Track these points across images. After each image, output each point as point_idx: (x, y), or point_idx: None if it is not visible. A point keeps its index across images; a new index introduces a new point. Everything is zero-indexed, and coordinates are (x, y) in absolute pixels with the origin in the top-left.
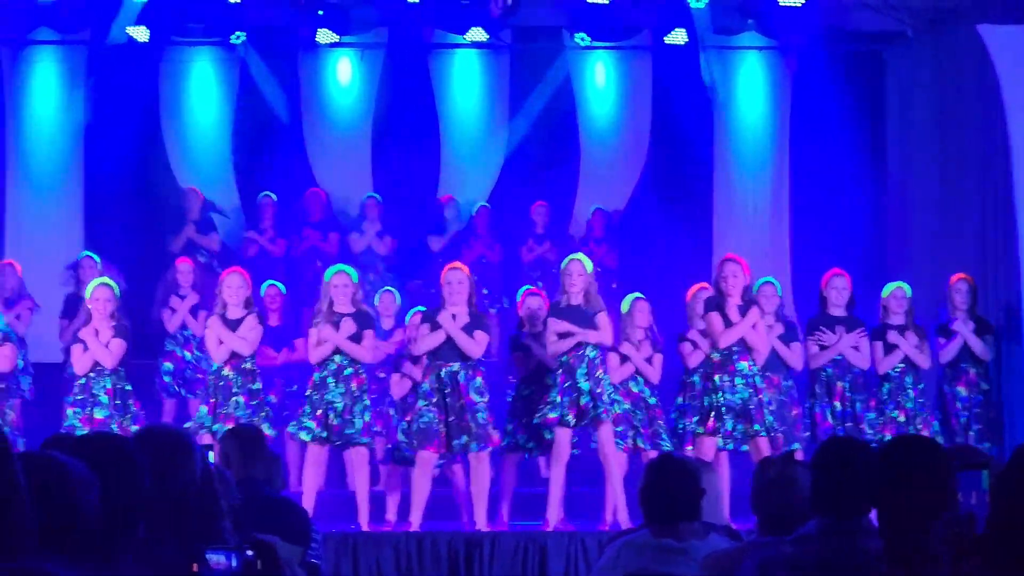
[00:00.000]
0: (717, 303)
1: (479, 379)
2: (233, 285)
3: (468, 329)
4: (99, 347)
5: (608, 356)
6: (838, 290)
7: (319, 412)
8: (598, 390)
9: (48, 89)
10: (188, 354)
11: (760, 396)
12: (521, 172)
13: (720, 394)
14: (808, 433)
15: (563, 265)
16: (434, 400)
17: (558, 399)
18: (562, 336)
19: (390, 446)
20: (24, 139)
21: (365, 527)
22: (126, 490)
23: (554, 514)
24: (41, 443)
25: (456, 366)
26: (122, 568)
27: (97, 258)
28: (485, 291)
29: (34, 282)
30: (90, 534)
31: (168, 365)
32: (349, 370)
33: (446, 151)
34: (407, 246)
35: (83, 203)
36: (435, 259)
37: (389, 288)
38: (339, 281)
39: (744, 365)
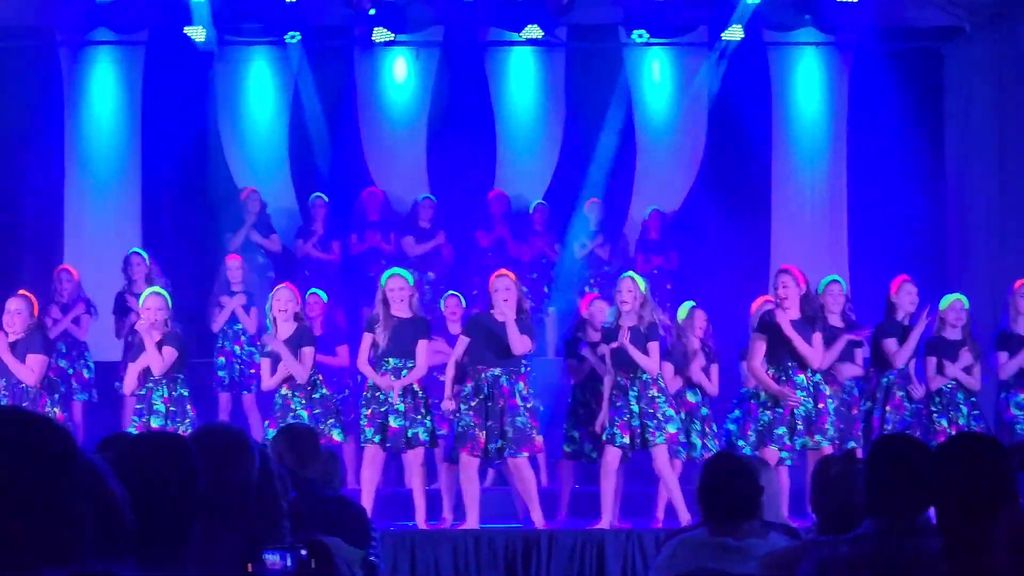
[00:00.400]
0: (767, 323)
1: (522, 383)
2: (282, 299)
3: (519, 331)
4: (154, 354)
5: (663, 366)
6: (912, 296)
7: (377, 417)
8: (650, 410)
9: (106, 89)
10: (238, 348)
11: (822, 404)
12: (576, 170)
13: (779, 410)
14: (862, 437)
15: (618, 283)
16: (474, 404)
17: (615, 418)
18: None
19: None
20: (83, 138)
21: (422, 525)
22: (182, 489)
23: (609, 513)
24: (98, 443)
25: (498, 370)
26: (179, 568)
27: (145, 254)
28: (546, 290)
29: (92, 281)
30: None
31: (221, 359)
32: (405, 372)
33: (502, 149)
34: (461, 244)
35: (141, 202)
36: (484, 254)
37: (454, 292)
38: (395, 284)
39: (802, 378)
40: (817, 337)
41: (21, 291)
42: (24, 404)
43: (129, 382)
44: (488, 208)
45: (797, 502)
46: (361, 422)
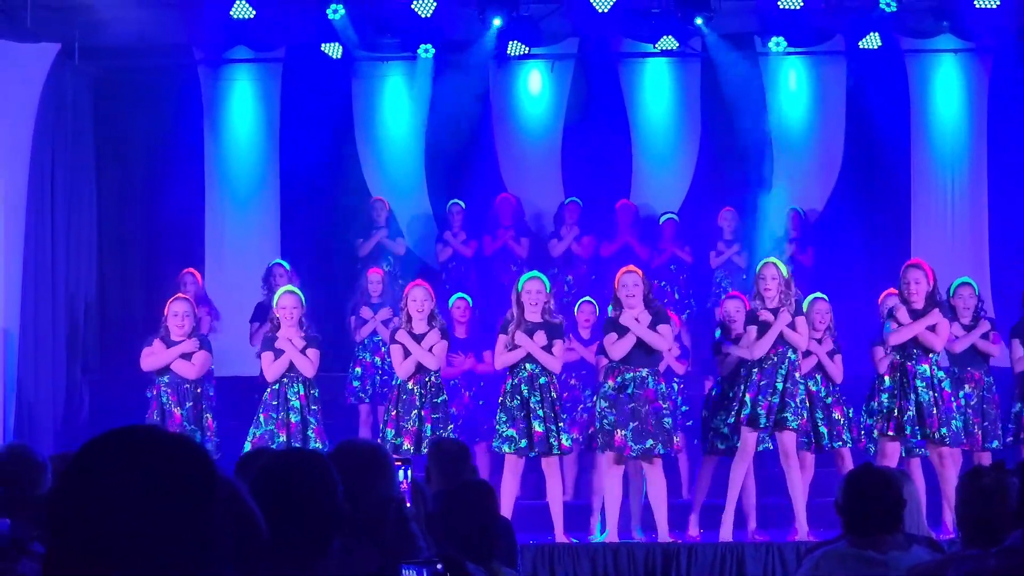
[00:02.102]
0: (894, 310)
1: (663, 385)
2: (418, 299)
3: (652, 326)
4: (298, 356)
5: None
6: None
7: (519, 420)
8: (793, 390)
9: (245, 106)
10: (379, 360)
11: (946, 400)
12: (713, 179)
13: (899, 398)
14: (1011, 437)
15: (757, 269)
16: (615, 401)
17: (748, 398)
18: (761, 335)
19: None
20: (222, 154)
21: (560, 538)
22: (321, 504)
23: (729, 517)
24: (239, 459)
25: (644, 371)
26: None
27: (287, 265)
28: (676, 296)
29: (231, 291)
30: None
31: (358, 370)
32: (543, 379)
33: (638, 160)
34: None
35: (279, 215)
36: (611, 263)
37: (590, 299)
38: (532, 287)
39: (925, 368)
40: (942, 325)
41: (181, 294)
42: (187, 403)
43: (274, 372)
44: (615, 218)
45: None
46: (500, 429)
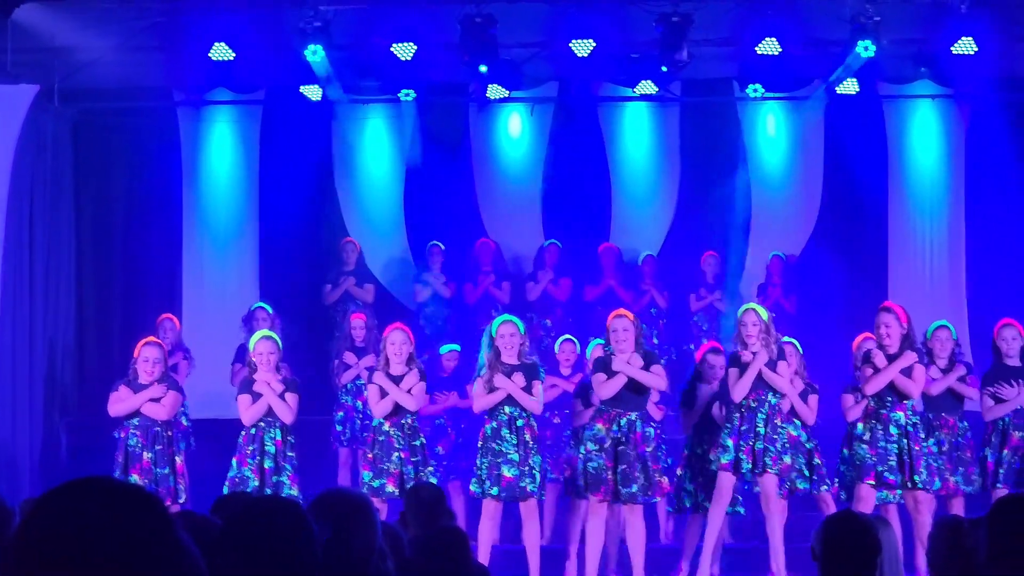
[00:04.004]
0: (869, 357)
1: (651, 429)
2: (397, 341)
3: (645, 368)
4: (277, 401)
5: None
6: (1008, 341)
7: (494, 468)
8: (774, 436)
9: (224, 147)
10: (360, 403)
11: (917, 447)
12: (692, 223)
13: (874, 446)
14: (979, 481)
15: (739, 314)
16: (606, 446)
17: (730, 443)
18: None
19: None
20: (201, 196)
21: None
22: (297, 555)
23: (707, 561)
24: (213, 504)
25: (634, 415)
26: None
27: (269, 309)
28: (655, 341)
29: (210, 334)
30: None
31: (340, 414)
32: (520, 421)
33: (617, 203)
34: (575, 296)
35: (258, 256)
36: (594, 307)
37: (570, 337)
38: (505, 331)
39: (900, 415)
40: (918, 369)
41: (152, 338)
42: (157, 446)
43: (250, 416)
44: (598, 262)
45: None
46: (479, 472)
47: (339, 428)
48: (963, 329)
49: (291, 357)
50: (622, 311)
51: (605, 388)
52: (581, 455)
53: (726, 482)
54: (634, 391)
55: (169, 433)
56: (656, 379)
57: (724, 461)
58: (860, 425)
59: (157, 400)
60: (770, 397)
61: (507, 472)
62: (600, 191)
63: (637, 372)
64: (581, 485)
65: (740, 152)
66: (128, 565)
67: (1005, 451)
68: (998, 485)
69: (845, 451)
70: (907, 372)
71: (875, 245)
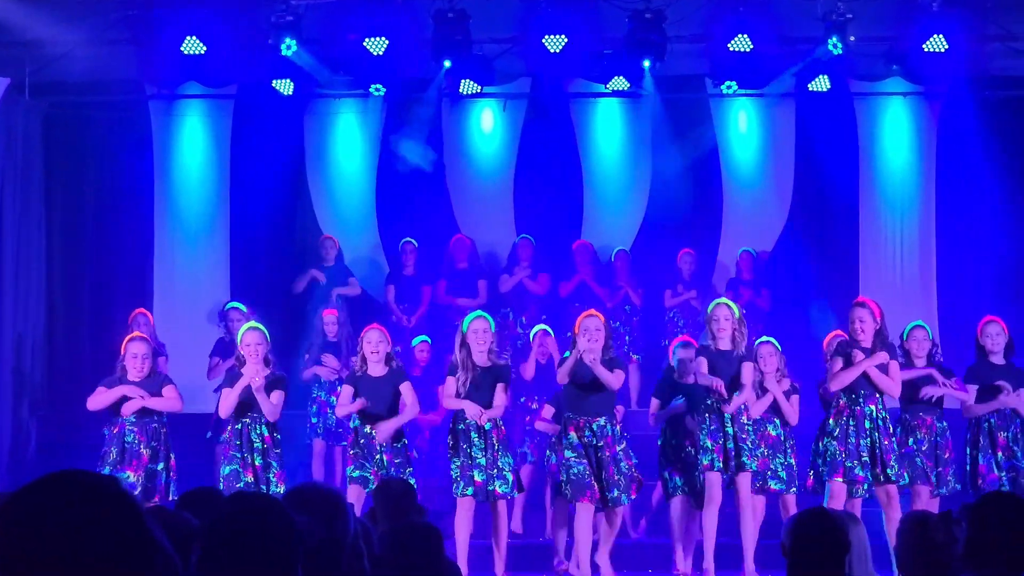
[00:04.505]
0: (843, 349)
1: (618, 428)
2: (373, 340)
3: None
4: (262, 396)
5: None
6: (993, 337)
7: (467, 469)
8: (743, 435)
9: (196, 142)
10: (334, 399)
11: (887, 441)
12: (664, 219)
13: (845, 441)
14: (968, 484)
15: (709, 310)
16: (583, 452)
17: (709, 444)
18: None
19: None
20: (173, 190)
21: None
22: (279, 549)
23: (711, 562)
24: (178, 499)
25: (603, 420)
26: None
27: (244, 308)
28: (627, 338)
29: (181, 328)
30: None
31: (314, 407)
32: (488, 424)
33: (589, 199)
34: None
35: (229, 252)
36: (569, 303)
37: (545, 327)
38: (478, 326)
39: (871, 408)
40: (893, 366)
41: (138, 333)
42: (154, 443)
43: (227, 405)
44: (571, 258)
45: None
46: (453, 474)
47: (314, 420)
48: (933, 325)
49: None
50: (594, 312)
51: (562, 369)
52: (562, 464)
53: (715, 482)
54: (600, 396)
55: (165, 429)
56: (611, 378)
57: (706, 463)
58: (831, 421)
59: (158, 393)
60: (735, 396)
61: (477, 476)
62: (572, 187)
63: (600, 368)
64: (566, 493)
65: (712, 148)
66: (102, 559)
67: (999, 453)
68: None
69: (819, 444)
70: (883, 370)
71: (846, 241)
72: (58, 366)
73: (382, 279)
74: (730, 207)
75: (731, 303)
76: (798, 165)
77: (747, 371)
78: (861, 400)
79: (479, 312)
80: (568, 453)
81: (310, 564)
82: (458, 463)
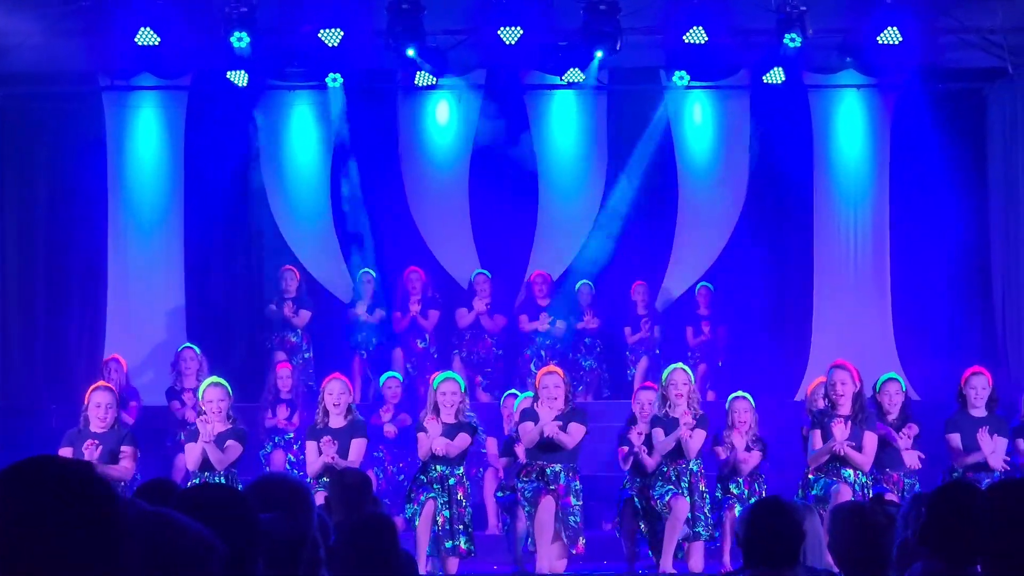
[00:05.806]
0: (821, 419)
1: (578, 482)
2: (335, 392)
3: (565, 423)
4: (214, 450)
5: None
6: (977, 390)
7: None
8: (700, 502)
9: (150, 133)
10: (291, 457)
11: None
12: (618, 210)
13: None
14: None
15: (665, 376)
16: (535, 487)
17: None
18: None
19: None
20: (126, 182)
21: None
22: (240, 539)
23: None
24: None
25: (559, 467)
26: None
27: (197, 350)
28: (593, 364)
29: (135, 323)
30: None
31: (268, 447)
32: (452, 480)
33: (544, 191)
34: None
35: (183, 243)
36: (531, 336)
37: (514, 391)
38: (447, 388)
39: (849, 473)
40: (868, 438)
41: (103, 383)
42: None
43: (191, 459)
44: (530, 290)
45: None
46: (410, 495)
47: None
48: (886, 320)
49: (216, 362)
50: (553, 367)
51: (528, 437)
52: (518, 491)
53: (681, 507)
54: (560, 450)
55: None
56: (567, 438)
57: (671, 493)
58: (811, 477)
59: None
60: (692, 465)
61: (439, 518)
62: (527, 179)
63: (553, 428)
64: (523, 505)
65: (667, 140)
66: (77, 543)
67: None
68: None
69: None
70: (858, 441)
71: (800, 233)
72: (11, 359)
73: (341, 272)
74: (685, 199)
75: (687, 368)
76: (753, 157)
77: (698, 436)
78: (839, 465)
79: (449, 373)
80: (520, 483)
81: (272, 556)
82: (416, 499)
